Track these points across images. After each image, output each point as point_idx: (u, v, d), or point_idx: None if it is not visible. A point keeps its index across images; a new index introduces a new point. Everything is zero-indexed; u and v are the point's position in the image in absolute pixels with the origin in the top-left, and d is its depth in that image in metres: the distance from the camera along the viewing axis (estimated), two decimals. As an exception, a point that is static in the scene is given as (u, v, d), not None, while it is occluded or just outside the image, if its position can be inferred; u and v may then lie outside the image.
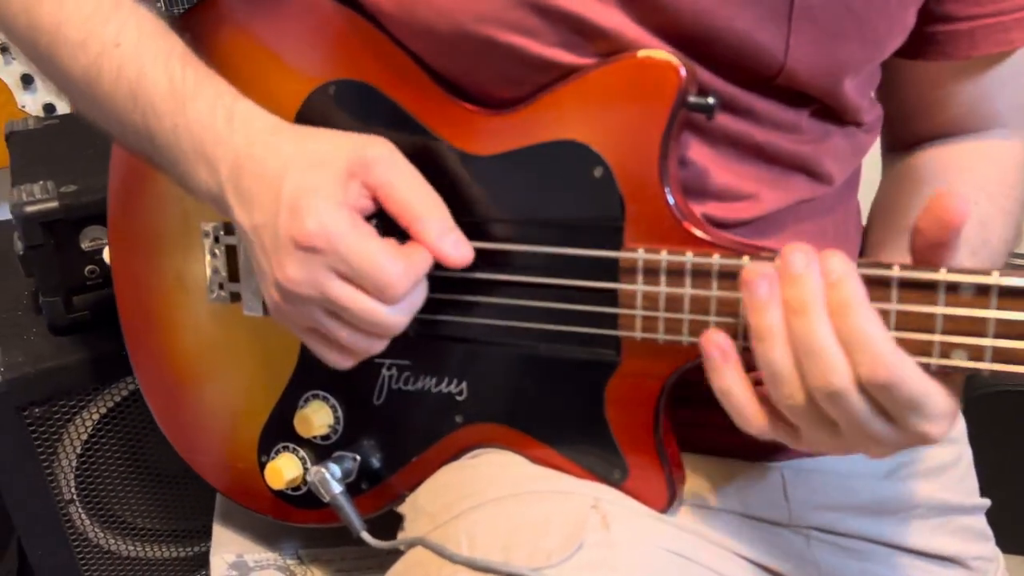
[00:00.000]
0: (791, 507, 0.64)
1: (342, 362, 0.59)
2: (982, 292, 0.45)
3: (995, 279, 0.45)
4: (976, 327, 0.46)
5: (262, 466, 0.70)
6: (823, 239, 0.64)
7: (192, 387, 0.75)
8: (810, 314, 0.45)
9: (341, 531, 0.67)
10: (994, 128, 0.70)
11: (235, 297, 0.69)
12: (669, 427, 0.58)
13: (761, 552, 0.62)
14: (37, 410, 0.99)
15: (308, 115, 0.63)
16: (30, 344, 1.01)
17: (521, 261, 0.58)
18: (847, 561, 0.66)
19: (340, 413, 0.67)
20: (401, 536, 0.63)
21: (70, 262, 0.99)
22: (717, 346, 0.49)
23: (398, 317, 0.54)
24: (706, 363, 0.50)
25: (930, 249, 0.46)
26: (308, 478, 0.67)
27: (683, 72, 0.52)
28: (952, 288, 0.46)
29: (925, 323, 0.47)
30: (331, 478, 0.65)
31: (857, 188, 0.70)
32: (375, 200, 0.55)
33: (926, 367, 0.47)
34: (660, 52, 0.52)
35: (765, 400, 0.49)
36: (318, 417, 0.67)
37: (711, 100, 0.52)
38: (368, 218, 0.55)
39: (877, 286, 0.47)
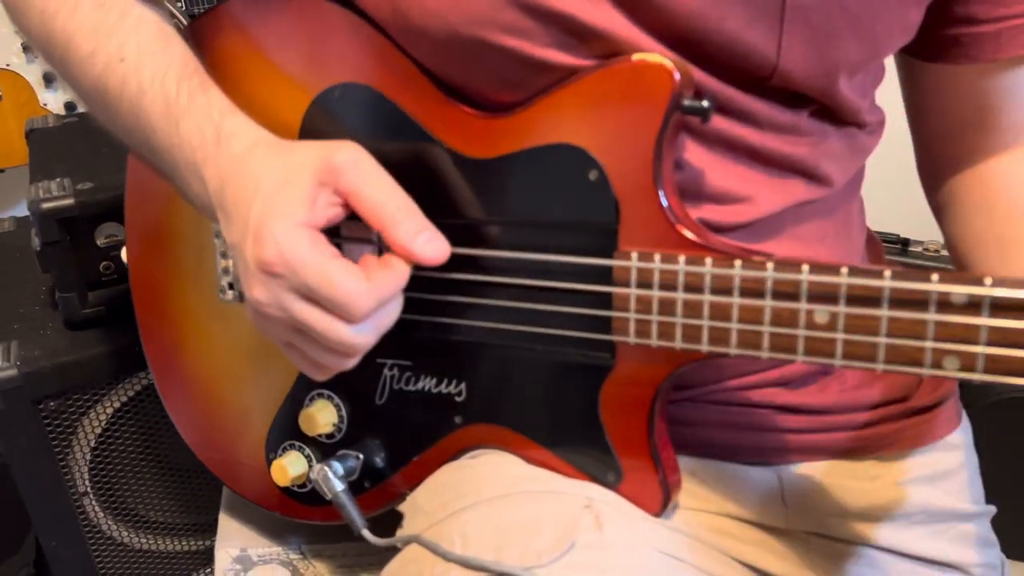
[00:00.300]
0: (788, 511, 0.64)
1: (317, 375, 0.59)
2: (974, 300, 0.45)
3: (987, 289, 0.45)
4: (968, 335, 0.46)
5: (269, 463, 0.72)
6: (823, 242, 0.64)
7: (203, 384, 0.76)
8: None
9: (344, 527, 0.68)
10: None
11: (244, 297, 0.70)
12: (664, 431, 0.58)
13: (758, 556, 0.62)
14: (52, 403, 1.01)
15: (314, 119, 0.64)
16: (46, 339, 1.03)
17: (517, 263, 0.58)
18: (846, 566, 0.66)
19: (344, 412, 0.68)
20: (399, 534, 0.64)
21: (86, 258, 1.01)
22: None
23: (362, 336, 0.54)
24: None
25: None
26: (311, 476, 0.67)
27: (677, 76, 0.52)
28: (944, 296, 0.46)
29: (916, 330, 0.47)
30: (333, 476, 0.66)
31: (859, 190, 0.70)
32: (346, 206, 0.55)
33: (918, 375, 0.47)
34: (655, 55, 0.53)
35: None
36: (322, 416, 0.68)
37: (705, 103, 0.52)
38: (351, 218, 0.56)
39: (868, 293, 0.47)
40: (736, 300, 0.51)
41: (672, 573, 0.56)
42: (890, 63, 0.71)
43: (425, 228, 0.56)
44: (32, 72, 1.48)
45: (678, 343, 0.53)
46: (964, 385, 1.43)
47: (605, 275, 0.55)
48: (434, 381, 0.64)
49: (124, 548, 1.12)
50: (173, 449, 1.10)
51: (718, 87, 0.57)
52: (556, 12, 0.54)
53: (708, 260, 0.51)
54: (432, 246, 0.55)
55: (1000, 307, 0.45)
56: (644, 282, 0.54)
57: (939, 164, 0.75)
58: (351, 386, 0.67)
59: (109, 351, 1.02)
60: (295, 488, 0.72)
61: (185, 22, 0.70)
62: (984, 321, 0.45)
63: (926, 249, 1.52)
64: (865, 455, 0.67)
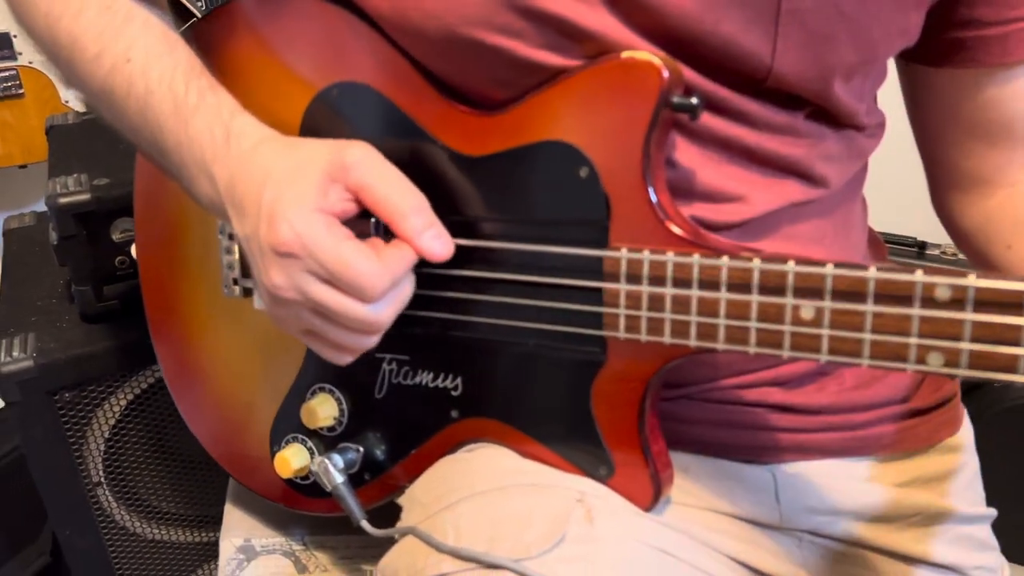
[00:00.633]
0: (782, 509, 0.64)
1: (340, 358, 0.60)
2: (958, 296, 0.46)
3: (971, 283, 0.45)
4: (952, 330, 0.46)
5: (273, 455, 0.73)
6: (820, 242, 0.64)
7: (210, 378, 0.78)
8: None
9: (346, 519, 0.69)
10: None
11: (247, 292, 0.72)
12: (656, 425, 0.59)
13: (750, 553, 0.63)
14: (67, 395, 1.03)
15: (314, 116, 0.65)
16: (62, 331, 1.05)
17: (510, 259, 0.59)
18: (839, 566, 0.66)
19: (345, 406, 0.69)
20: (397, 525, 0.65)
21: (101, 252, 1.03)
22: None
23: (382, 313, 0.56)
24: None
25: None
26: (312, 468, 0.69)
27: (665, 73, 0.52)
28: (928, 291, 0.46)
29: (901, 326, 0.47)
30: (333, 468, 0.67)
31: (860, 191, 0.70)
32: (358, 202, 0.56)
33: (903, 371, 0.47)
34: (643, 53, 0.53)
35: None
36: (323, 409, 0.69)
37: (694, 100, 0.53)
38: (363, 216, 0.57)
39: (854, 288, 0.48)
40: (724, 295, 0.52)
41: (662, 568, 0.57)
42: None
43: (433, 224, 0.57)
44: (54, 70, 1.51)
45: (667, 338, 0.54)
46: (977, 391, 1.43)
47: (596, 270, 0.56)
48: (431, 376, 0.65)
49: (136, 538, 1.13)
50: (185, 441, 1.11)
51: (712, 88, 0.57)
52: (550, 14, 0.54)
53: (696, 255, 0.52)
54: (438, 242, 0.57)
55: (984, 303, 0.45)
56: (633, 277, 0.54)
57: (962, 184, 0.72)
58: (351, 380, 0.69)
59: (123, 344, 1.03)
60: (298, 480, 0.73)
61: (199, 15, 0.71)
62: (968, 316, 0.46)
63: (943, 252, 1.51)
64: (862, 455, 0.67)
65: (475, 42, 0.56)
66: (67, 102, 1.52)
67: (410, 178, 0.61)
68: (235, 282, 0.72)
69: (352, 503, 0.67)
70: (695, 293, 0.52)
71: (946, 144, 0.72)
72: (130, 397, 1.07)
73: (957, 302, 0.46)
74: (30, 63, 1.48)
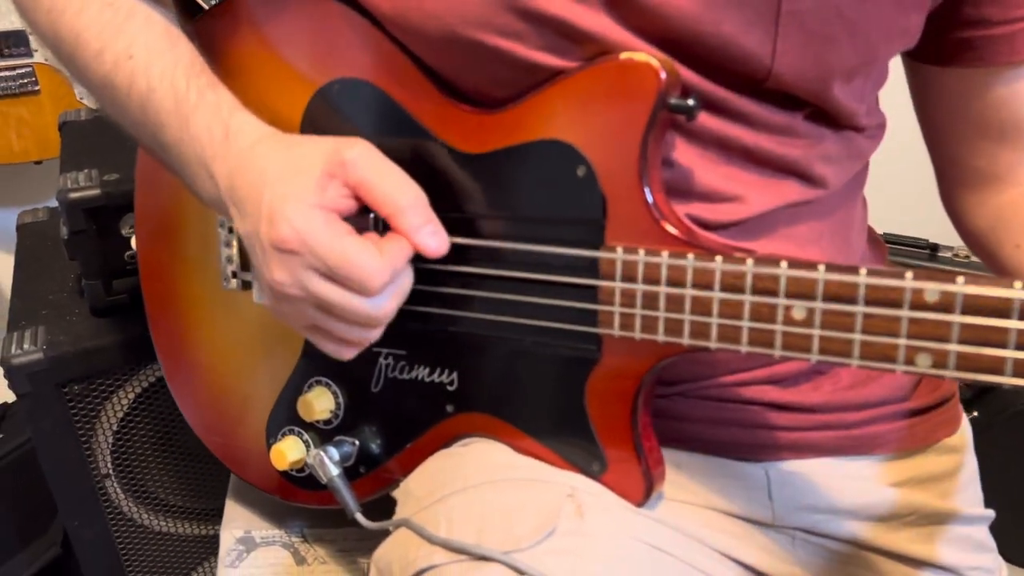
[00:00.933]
0: (775, 507, 0.64)
1: (343, 352, 0.61)
2: (947, 298, 0.46)
3: (959, 287, 0.46)
4: (941, 332, 0.46)
5: (270, 448, 0.74)
6: (818, 242, 0.64)
7: (208, 371, 0.79)
8: None
9: (344, 512, 0.69)
10: None
11: (247, 285, 0.73)
12: (648, 422, 0.59)
13: (743, 550, 0.63)
14: (76, 387, 1.04)
15: (315, 112, 0.66)
16: (72, 324, 1.06)
17: (507, 256, 0.59)
18: (833, 564, 0.66)
19: (341, 399, 0.70)
20: (392, 518, 0.66)
21: (110, 247, 1.04)
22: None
23: (384, 306, 0.56)
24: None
25: None
26: (308, 460, 0.69)
27: (663, 74, 0.53)
28: (918, 294, 0.47)
29: (890, 327, 0.48)
30: (329, 461, 0.68)
31: (860, 192, 0.70)
32: (356, 198, 0.57)
33: (892, 371, 0.48)
34: (641, 54, 0.53)
35: None
36: (319, 402, 0.69)
37: (691, 102, 0.53)
38: (361, 212, 0.58)
39: (845, 290, 0.48)
40: (717, 295, 0.52)
41: (652, 563, 0.57)
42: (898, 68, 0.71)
43: (430, 221, 0.58)
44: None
45: (660, 336, 0.54)
46: (987, 395, 1.42)
47: (592, 269, 0.56)
48: (427, 370, 0.65)
49: (144, 530, 1.15)
50: (193, 435, 1.12)
51: (711, 88, 0.58)
52: (549, 16, 0.55)
53: (690, 255, 0.52)
54: (435, 239, 0.57)
55: (972, 305, 0.45)
56: (629, 276, 0.55)
57: (972, 183, 0.73)
58: (348, 374, 0.69)
59: (132, 338, 1.05)
60: (294, 472, 0.74)
61: (206, 6, 0.71)
62: (956, 319, 0.46)
63: (956, 255, 1.50)
64: (858, 454, 0.67)
65: (475, 43, 0.56)
66: (81, 99, 1.54)
67: (409, 175, 0.62)
68: (234, 275, 0.73)
69: (347, 496, 0.67)
70: (689, 292, 0.53)
71: (955, 143, 0.72)
72: (138, 390, 1.08)
73: (945, 305, 0.46)
74: (46, 60, 1.50)
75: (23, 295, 1.14)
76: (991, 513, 0.72)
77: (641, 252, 0.54)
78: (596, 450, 0.60)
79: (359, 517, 0.66)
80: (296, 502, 0.76)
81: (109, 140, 1.18)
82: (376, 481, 0.70)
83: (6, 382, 1.02)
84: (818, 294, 0.49)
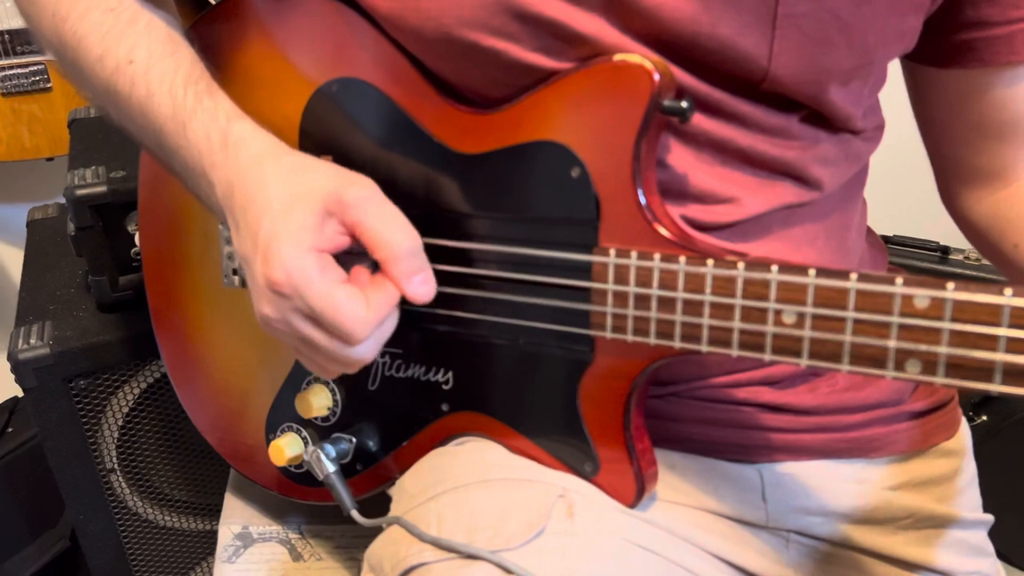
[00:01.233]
0: (768, 508, 0.64)
1: (325, 376, 0.63)
2: (936, 304, 0.46)
3: (949, 293, 0.46)
4: (930, 338, 0.46)
5: (268, 444, 0.74)
6: (813, 244, 0.64)
7: (209, 366, 0.79)
8: None
9: (341, 509, 0.70)
10: None
11: (247, 283, 0.73)
12: (641, 424, 0.59)
13: (736, 552, 0.63)
14: (82, 382, 1.05)
15: (314, 111, 0.66)
16: (78, 320, 1.07)
17: (501, 257, 0.60)
18: (828, 567, 0.66)
19: (338, 396, 0.71)
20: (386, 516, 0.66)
21: (117, 244, 1.05)
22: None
23: (364, 353, 0.56)
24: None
25: None
26: (305, 457, 0.70)
27: (656, 76, 0.53)
28: (908, 299, 0.46)
29: (880, 332, 0.48)
30: (325, 458, 0.68)
31: (858, 195, 0.70)
32: (352, 236, 0.57)
33: (881, 377, 0.48)
34: (635, 56, 0.54)
35: None
36: (317, 399, 0.70)
37: (684, 104, 0.53)
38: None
39: (835, 295, 0.48)
40: (708, 298, 0.52)
41: (642, 563, 0.57)
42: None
43: (420, 269, 0.57)
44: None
45: (652, 339, 0.55)
46: (995, 402, 1.41)
47: (584, 271, 0.56)
48: (423, 369, 0.66)
49: (148, 524, 1.16)
50: (197, 431, 1.13)
51: (707, 90, 0.58)
52: (545, 18, 0.55)
53: (682, 259, 0.52)
54: (425, 287, 0.57)
55: (962, 312, 0.45)
56: (621, 278, 0.55)
57: (971, 180, 0.73)
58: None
59: (137, 334, 1.06)
60: (292, 468, 0.74)
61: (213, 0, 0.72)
62: (946, 325, 0.46)
63: (967, 258, 1.50)
64: (853, 457, 0.67)
65: (471, 44, 0.57)
66: (92, 96, 1.55)
67: (406, 174, 0.62)
68: (235, 272, 0.73)
69: (343, 492, 0.68)
70: (680, 295, 0.53)
71: (954, 143, 0.72)
72: (143, 386, 1.09)
73: (935, 311, 0.46)
74: (58, 57, 1.51)
75: (31, 290, 1.15)
76: (989, 518, 0.71)
77: (633, 255, 0.54)
78: (589, 451, 0.60)
79: (354, 514, 0.66)
80: (294, 498, 0.76)
81: (117, 137, 1.18)
82: (372, 478, 0.70)
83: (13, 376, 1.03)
84: (808, 299, 0.49)
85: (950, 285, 0.46)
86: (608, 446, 0.59)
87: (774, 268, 0.50)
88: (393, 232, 0.56)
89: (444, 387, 0.65)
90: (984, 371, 0.45)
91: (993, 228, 0.72)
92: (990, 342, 0.45)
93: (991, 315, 0.45)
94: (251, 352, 0.75)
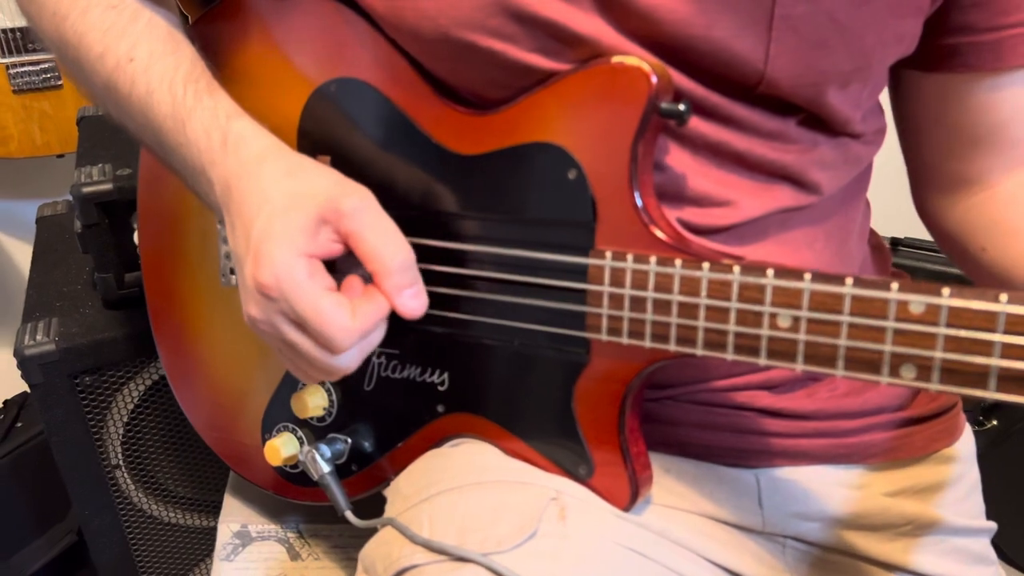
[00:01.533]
0: (765, 514, 0.64)
1: (305, 380, 0.63)
2: (932, 310, 0.45)
3: (944, 299, 0.45)
4: (925, 343, 0.46)
5: (264, 444, 0.74)
6: (812, 247, 0.63)
7: (206, 365, 0.79)
8: None
9: (339, 509, 0.70)
10: None
11: (244, 287, 0.73)
12: (636, 427, 0.59)
13: (730, 557, 0.62)
14: (88, 379, 1.06)
15: (312, 111, 0.66)
16: (84, 316, 1.08)
17: (498, 259, 0.59)
18: (824, 572, 0.66)
19: (334, 397, 0.70)
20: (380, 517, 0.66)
21: (122, 241, 1.06)
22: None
23: (346, 362, 0.56)
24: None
25: None
26: (300, 457, 0.70)
27: (653, 78, 0.53)
28: (903, 305, 0.46)
29: (875, 337, 0.47)
30: (320, 458, 0.68)
31: (859, 199, 0.69)
32: (345, 245, 0.56)
33: (866, 383, 0.47)
34: (633, 58, 0.53)
35: None
36: (313, 400, 0.70)
37: (682, 107, 0.53)
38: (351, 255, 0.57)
39: (830, 300, 0.48)
40: (703, 301, 0.52)
41: (634, 568, 0.57)
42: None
43: (412, 283, 0.57)
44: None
45: (647, 342, 0.54)
46: (1006, 405, 1.41)
47: (581, 273, 0.56)
48: (418, 370, 0.65)
49: (153, 520, 1.17)
50: (201, 428, 1.14)
51: (704, 93, 0.57)
52: (542, 18, 0.55)
53: (678, 262, 0.52)
54: (415, 301, 0.57)
55: (957, 318, 0.45)
56: (617, 281, 0.55)
57: (944, 185, 0.72)
58: (342, 372, 0.70)
59: (143, 330, 1.04)
60: (288, 469, 0.74)
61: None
62: (941, 331, 0.45)
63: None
64: (852, 463, 0.66)
65: (468, 44, 0.56)
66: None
67: (404, 174, 0.62)
68: (232, 271, 0.74)
69: (337, 493, 0.68)
70: (676, 298, 0.52)
71: (931, 146, 0.71)
72: (149, 383, 1.10)
73: (931, 317, 0.45)
74: (69, 54, 1.52)
75: (39, 287, 1.16)
76: (992, 525, 0.71)
77: (629, 258, 0.54)
78: (583, 453, 0.59)
79: (348, 515, 0.66)
80: (289, 498, 0.76)
81: (124, 136, 1.18)
82: (368, 479, 0.70)
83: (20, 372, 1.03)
84: (804, 303, 0.49)
85: (945, 291, 0.45)
86: (603, 449, 0.59)
87: (770, 272, 0.50)
88: (387, 245, 0.56)
89: (440, 388, 0.65)
90: (979, 377, 0.45)
91: (962, 233, 0.72)
92: (985, 348, 0.44)
93: (986, 321, 0.44)
94: (248, 352, 0.75)
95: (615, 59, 0.54)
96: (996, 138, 0.68)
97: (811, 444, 0.65)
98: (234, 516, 0.83)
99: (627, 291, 0.54)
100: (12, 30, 1.46)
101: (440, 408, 0.65)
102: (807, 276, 0.49)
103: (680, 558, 0.60)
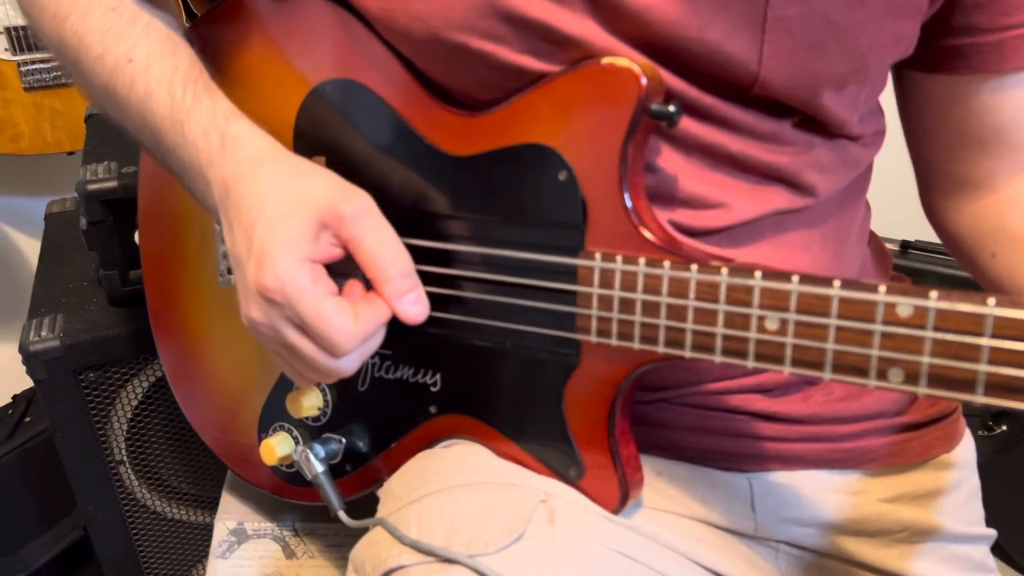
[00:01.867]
0: (757, 518, 0.63)
1: (299, 383, 0.64)
2: (920, 313, 0.45)
3: (932, 302, 0.45)
4: (913, 346, 0.45)
5: (260, 443, 0.74)
6: (808, 249, 0.63)
7: (204, 365, 0.80)
8: None
9: (335, 508, 0.70)
10: None
11: (242, 285, 0.73)
12: (627, 429, 0.58)
13: (722, 561, 0.62)
14: (92, 375, 1.06)
15: (308, 112, 0.66)
16: (89, 313, 1.09)
17: (488, 260, 0.59)
18: (818, 578, 0.65)
19: (329, 397, 0.71)
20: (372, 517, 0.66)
21: (127, 238, 1.06)
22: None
23: (347, 365, 0.57)
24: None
25: None
26: (294, 457, 0.70)
27: (644, 80, 0.52)
28: (891, 308, 0.46)
29: (863, 340, 0.47)
30: (314, 458, 0.68)
31: (858, 201, 0.69)
32: (345, 249, 0.56)
33: (864, 387, 0.47)
34: (622, 59, 0.53)
35: None
36: (307, 400, 0.70)
37: (672, 108, 0.53)
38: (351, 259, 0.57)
39: (817, 302, 0.47)
40: (691, 303, 0.51)
41: (621, 571, 0.57)
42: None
43: (413, 289, 0.57)
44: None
45: (636, 343, 0.54)
46: (1015, 411, 1.40)
47: (571, 274, 0.56)
48: (411, 371, 0.65)
49: (156, 516, 1.17)
50: (204, 426, 1.15)
51: (697, 95, 0.57)
52: (533, 20, 0.55)
53: (666, 263, 0.52)
54: (415, 308, 0.57)
55: (945, 321, 0.44)
56: (606, 282, 0.54)
57: (950, 188, 0.72)
58: (337, 372, 0.70)
59: (147, 327, 1.05)
60: (283, 468, 0.74)
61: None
62: (928, 334, 0.45)
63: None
64: (848, 468, 0.66)
65: (459, 45, 0.56)
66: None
67: (397, 175, 0.62)
68: (230, 271, 0.74)
69: (330, 493, 0.68)
70: (664, 300, 0.52)
71: (936, 148, 0.71)
72: (153, 379, 1.10)
73: (918, 320, 0.45)
74: (79, 52, 1.53)
75: (45, 283, 1.17)
76: (992, 532, 0.70)
77: (619, 259, 0.54)
78: (574, 455, 0.59)
79: (341, 515, 0.66)
80: (285, 497, 0.77)
81: (129, 134, 1.20)
82: (362, 479, 0.70)
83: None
84: (791, 305, 0.48)
85: (933, 294, 0.45)
86: (593, 451, 0.59)
87: (757, 274, 0.49)
88: (387, 252, 0.56)
89: (432, 389, 0.65)
90: (966, 382, 0.44)
91: (971, 237, 0.71)
92: (972, 352, 0.44)
93: (974, 325, 0.44)
94: (246, 351, 0.76)
95: (605, 60, 0.54)
96: (1001, 140, 0.67)
97: (806, 449, 0.64)
98: (231, 513, 0.83)
99: (616, 292, 0.54)
100: (23, 28, 1.47)
101: (432, 409, 0.65)
102: (795, 278, 0.48)
103: (669, 562, 0.60)
